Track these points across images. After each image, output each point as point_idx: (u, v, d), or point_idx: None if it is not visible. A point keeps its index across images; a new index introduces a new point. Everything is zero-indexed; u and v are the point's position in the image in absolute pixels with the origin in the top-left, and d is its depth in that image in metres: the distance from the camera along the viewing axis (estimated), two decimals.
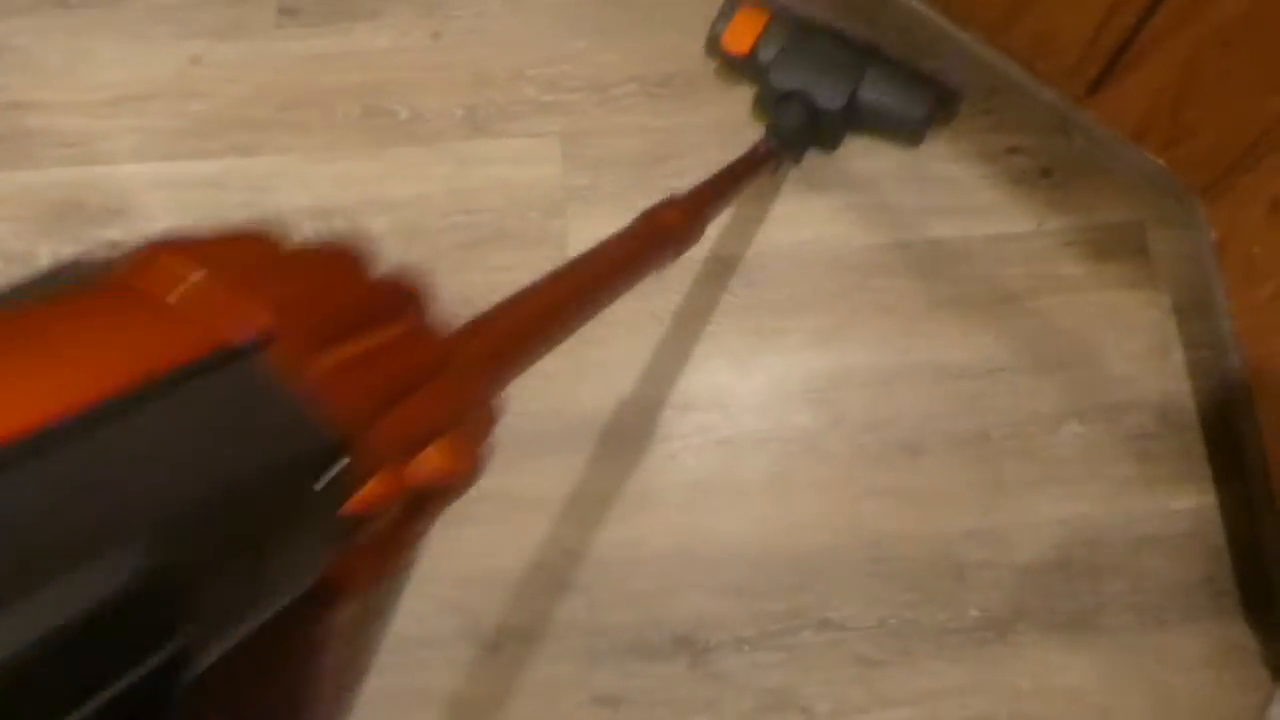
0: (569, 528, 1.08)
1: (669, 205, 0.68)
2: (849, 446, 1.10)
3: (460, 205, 1.17)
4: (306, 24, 1.23)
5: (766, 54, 1.13)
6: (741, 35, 1.13)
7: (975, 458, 1.09)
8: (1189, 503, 1.09)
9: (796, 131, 1.09)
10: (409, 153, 1.18)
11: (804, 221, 1.16)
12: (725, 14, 1.15)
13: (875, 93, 1.12)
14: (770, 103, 1.12)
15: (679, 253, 0.68)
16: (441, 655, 1.04)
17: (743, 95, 1.19)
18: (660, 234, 0.66)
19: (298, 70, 1.22)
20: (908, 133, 1.14)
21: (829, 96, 1.10)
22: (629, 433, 1.10)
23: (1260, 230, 0.95)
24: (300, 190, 1.18)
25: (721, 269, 1.15)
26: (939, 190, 1.17)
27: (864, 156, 1.18)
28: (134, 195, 1.18)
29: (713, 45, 1.15)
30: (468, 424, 0.31)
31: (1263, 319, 0.96)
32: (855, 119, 1.13)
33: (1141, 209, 1.17)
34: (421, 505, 0.29)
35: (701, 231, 0.72)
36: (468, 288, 1.10)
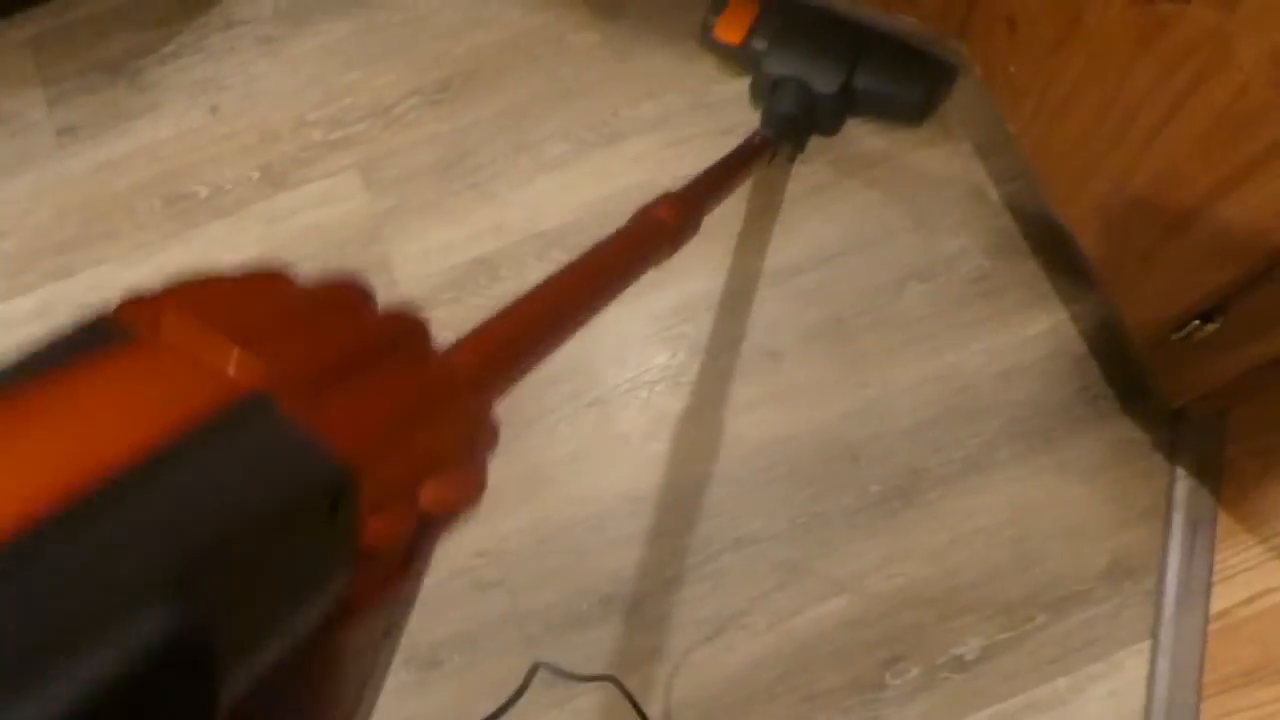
0: (472, 529, 1.08)
1: (663, 201, 0.68)
2: (712, 370, 1.12)
3: (281, 261, 1.17)
4: (86, 137, 1.24)
5: (760, 42, 1.14)
6: (734, 25, 1.15)
7: (833, 343, 1.12)
8: (1043, 325, 1.12)
9: (793, 118, 1.09)
10: (219, 226, 1.19)
11: (609, 174, 1.19)
12: (717, 4, 1.17)
13: (871, 75, 1.12)
14: (765, 91, 1.13)
15: (675, 248, 0.68)
16: (388, 689, 1.04)
17: (524, 78, 1.22)
18: (654, 230, 0.66)
19: (90, 183, 1.22)
20: (909, 113, 1.15)
21: (824, 81, 1.11)
22: (503, 422, 1.11)
23: (1008, 50, 1.00)
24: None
25: (542, 244, 1.17)
26: (729, 110, 1.21)
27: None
28: None
29: (705, 36, 1.17)
30: (473, 446, 0.33)
31: (1039, 130, 1.00)
32: (853, 103, 1.14)
33: None
34: (430, 528, 0.30)
35: (697, 225, 0.72)
36: None
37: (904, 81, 1.12)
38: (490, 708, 0.99)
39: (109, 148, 1.24)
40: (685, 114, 1.21)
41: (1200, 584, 1.03)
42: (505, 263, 1.17)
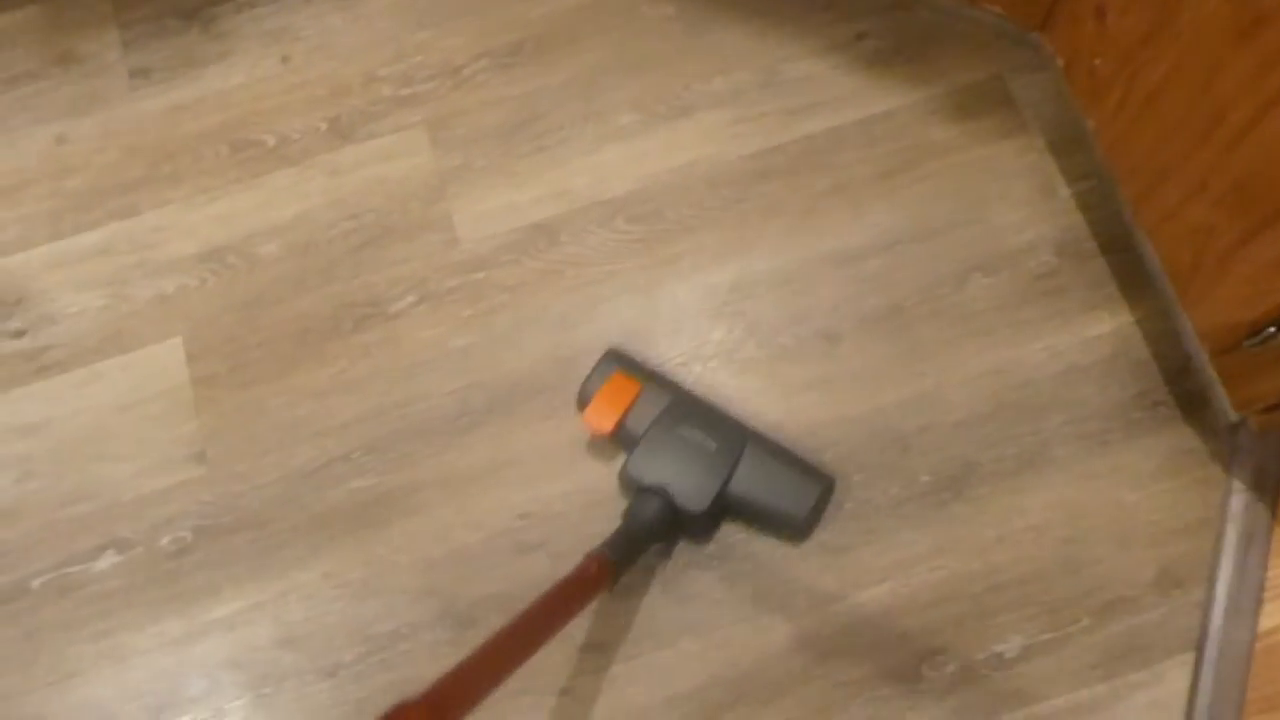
0: (516, 492, 1.09)
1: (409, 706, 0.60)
2: (768, 350, 1.12)
3: (343, 213, 1.18)
4: (159, 80, 1.25)
5: (631, 436, 1.02)
6: (606, 410, 1.03)
7: (891, 331, 1.11)
8: (1106, 327, 1.10)
9: (647, 539, 0.99)
10: (283, 175, 1.20)
11: (677, 146, 1.18)
12: (596, 377, 1.06)
13: (749, 487, 1.01)
14: (629, 492, 1.04)
15: None
16: (422, 644, 1.05)
17: (596, 47, 1.22)
18: None
19: (160, 126, 1.23)
20: (788, 532, 1.04)
21: (691, 497, 0.99)
22: (554, 387, 1.11)
23: (1094, 42, 0.98)
24: (186, 238, 1.19)
25: (606, 212, 1.16)
26: (799, 90, 1.20)
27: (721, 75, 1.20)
28: (29, 282, 1.19)
29: (581, 407, 1.06)
30: None
31: (1120, 127, 0.99)
32: (728, 513, 1.04)
33: (997, 62, 1.20)
34: None
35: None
36: (370, 289, 1.13)
37: (786, 499, 1.01)
38: (526, 670, 1.00)
39: (180, 92, 1.25)
40: (755, 91, 1.20)
41: (1250, 599, 1.01)
42: (566, 228, 1.16)
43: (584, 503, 1.08)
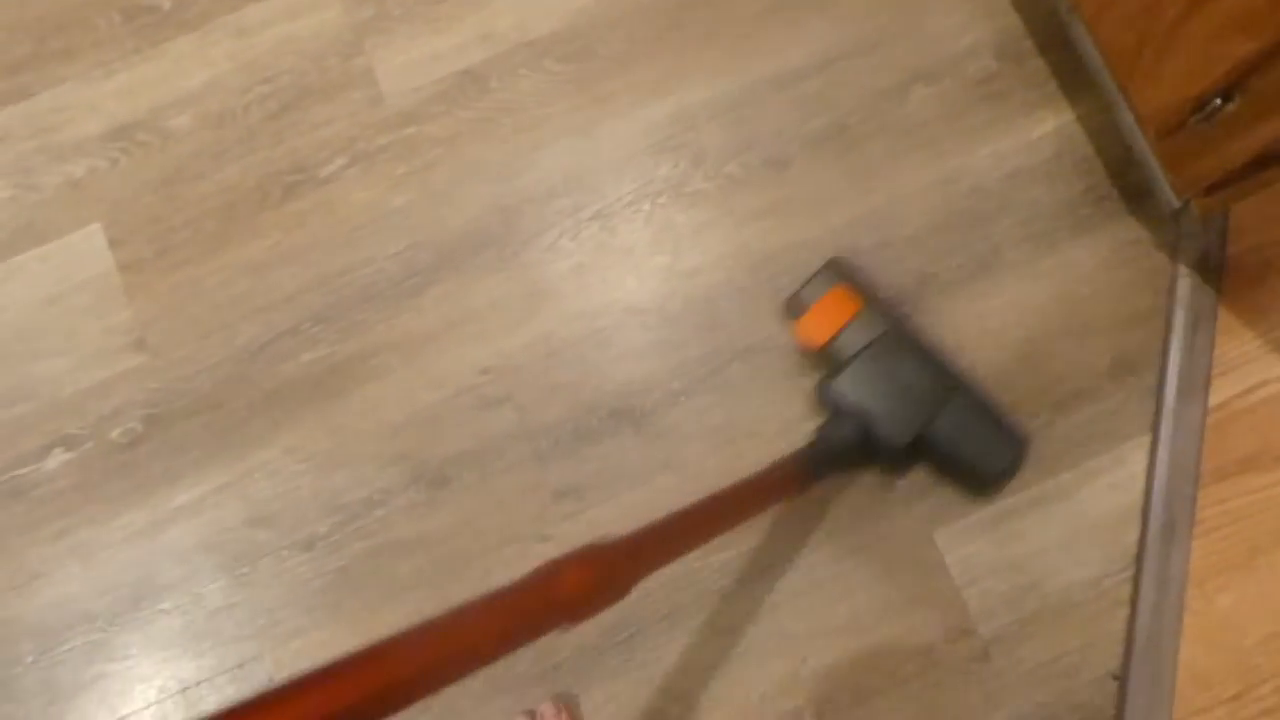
0: (475, 347, 1.06)
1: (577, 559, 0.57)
2: (716, 181, 1.09)
3: (256, 77, 1.11)
4: None
5: (839, 355, 0.98)
6: (823, 323, 0.99)
7: (839, 150, 1.10)
8: (1048, 126, 1.10)
9: (847, 455, 0.96)
10: (185, 42, 1.12)
11: None
12: (816, 285, 1.01)
13: (949, 436, 0.97)
14: (826, 411, 0.99)
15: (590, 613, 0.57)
16: (397, 508, 1.03)
17: None
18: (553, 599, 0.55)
19: None
20: (980, 486, 1.01)
21: (891, 432, 0.96)
22: (502, 238, 1.08)
23: None
24: (89, 118, 1.11)
25: (534, 53, 1.12)
26: None
27: None
28: None
29: (792, 314, 1.01)
30: None
31: None
32: (922, 456, 1.00)
33: None
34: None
35: (626, 589, 0.61)
36: (295, 155, 1.07)
37: (983, 453, 0.99)
38: (500, 523, 0.99)
39: None
40: None
41: (1200, 377, 1.04)
42: (494, 73, 1.11)
43: (544, 352, 1.06)
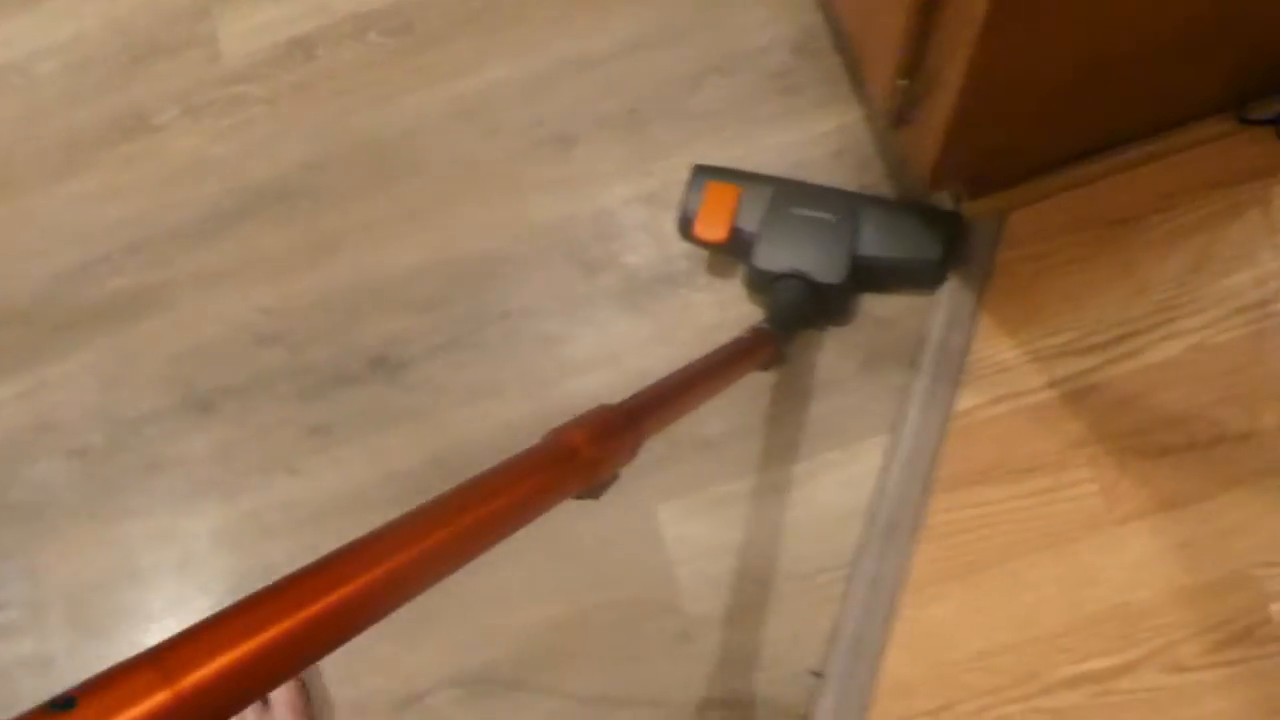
0: (260, 289, 1.14)
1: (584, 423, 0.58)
2: (505, 152, 1.14)
3: (116, 32, 1.23)
4: None
5: (745, 234, 1.01)
6: (714, 219, 1.02)
7: (626, 131, 1.13)
8: (834, 123, 1.11)
9: (799, 313, 0.98)
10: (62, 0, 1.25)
11: None
12: (691, 196, 1.04)
13: (878, 247, 0.99)
14: (763, 289, 1.03)
15: (590, 481, 0.57)
16: (165, 428, 1.11)
17: None
18: (563, 459, 0.55)
19: None
20: (928, 278, 1.03)
21: (827, 270, 0.98)
22: (299, 193, 1.16)
23: None
24: None
25: (360, 26, 1.19)
26: None
27: None
28: None
29: (685, 230, 1.04)
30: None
31: None
32: (863, 279, 1.02)
33: None
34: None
35: (635, 448, 0.62)
36: (137, 103, 1.18)
37: (917, 246, 1.00)
38: (255, 452, 1.06)
39: None
40: None
41: (948, 381, 1.02)
42: (322, 42, 1.20)
43: (321, 299, 1.12)
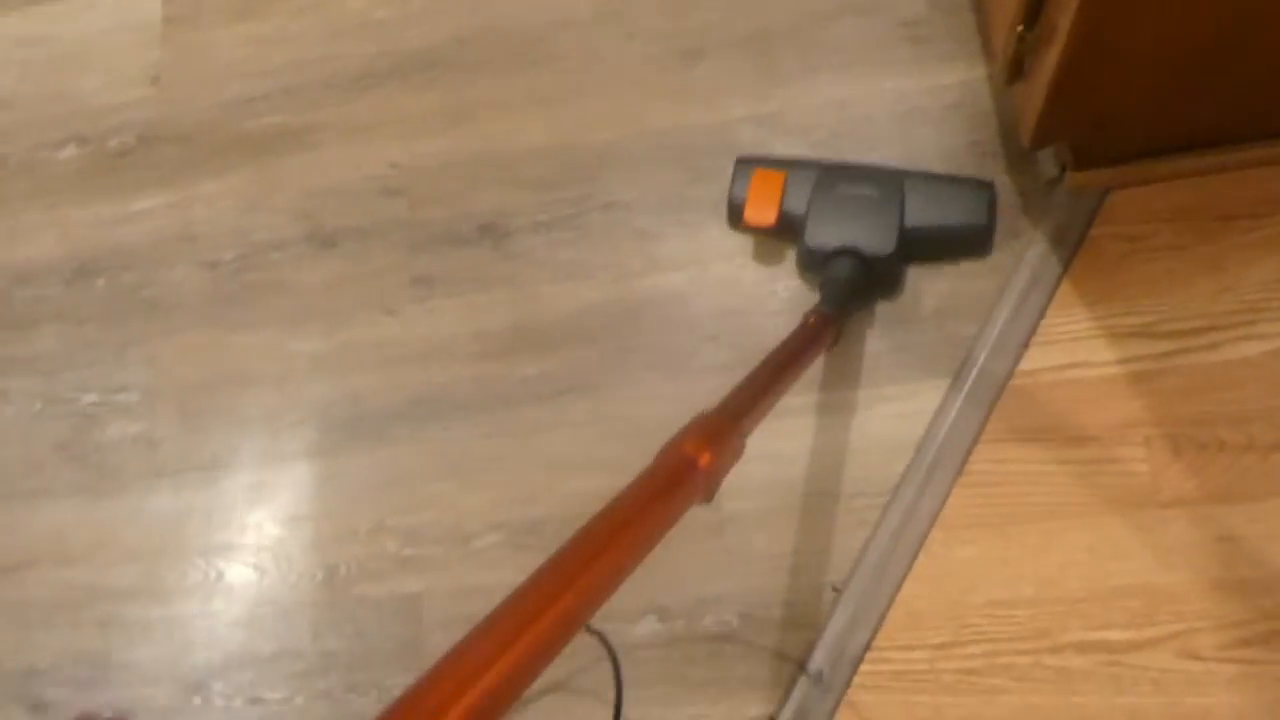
0: (394, 145, 1.23)
1: (692, 432, 0.60)
2: (639, 56, 1.20)
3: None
4: None
5: (794, 217, 1.05)
6: (763, 205, 1.05)
7: (754, 54, 1.18)
8: (957, 77, 1.13)
9: (854, 291, 1.01)
10: None
11: None
12: (740, 182, 1.08)
13: (925, 217, 1.03)
14: (815, 268, 1.06)
15: (711, 489, 0.60)
16: (289, 255, 1.22)
17: None
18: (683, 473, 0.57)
19: None
20: (975, 246, 1.06)
21: (877, 243, 1.02)
22: (445, 62, 1.24)
23: None
24: None
25: None
26: None
27: None
28: None
29: (735, 219, 1.09)
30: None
31: None
32: (913, 251, 1.05)
33: None
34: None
35: (739, 451, 0.65)
36: None
37: (962, 213, 1.04)
38: (363, 291, 1.15)
39: None
40: None
41: (1018, 338, 1.05)
42: None
43: (447, 163, 1.21)
